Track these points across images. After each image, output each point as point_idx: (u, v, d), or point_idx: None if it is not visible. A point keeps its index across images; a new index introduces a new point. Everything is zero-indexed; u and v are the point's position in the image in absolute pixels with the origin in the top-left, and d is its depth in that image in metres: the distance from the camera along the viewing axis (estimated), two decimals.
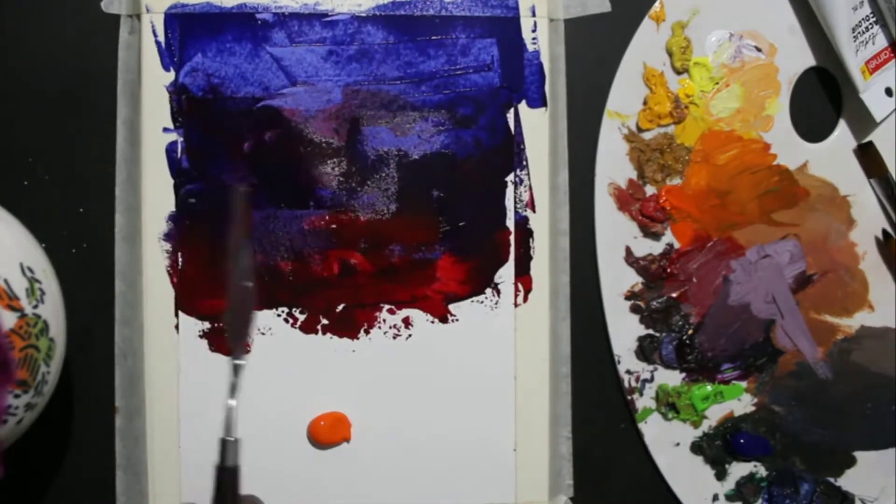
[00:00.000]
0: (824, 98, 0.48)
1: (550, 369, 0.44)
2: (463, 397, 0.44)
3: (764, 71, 0.47)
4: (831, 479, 0.49)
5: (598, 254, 0.46)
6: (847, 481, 0.49)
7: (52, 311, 0.35)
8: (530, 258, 0.44)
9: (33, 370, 0.34)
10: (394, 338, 0.43)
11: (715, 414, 0.47)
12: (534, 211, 0.44)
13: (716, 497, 0.48)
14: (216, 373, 0.42)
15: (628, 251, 0.46)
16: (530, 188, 0.44)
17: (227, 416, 0.37)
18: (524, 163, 0.44)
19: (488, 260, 0.44)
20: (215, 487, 0.36)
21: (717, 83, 0.46)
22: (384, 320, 0.43)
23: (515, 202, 0.44)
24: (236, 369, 0.38)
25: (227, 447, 0.36)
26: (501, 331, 0.44)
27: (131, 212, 0.42)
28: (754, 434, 0.47)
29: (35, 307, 0.34)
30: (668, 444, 0.47)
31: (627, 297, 0.46)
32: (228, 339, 0.40)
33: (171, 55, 0.41)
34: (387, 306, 0.43)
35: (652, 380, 0.46)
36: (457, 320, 0.44)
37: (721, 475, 0.47)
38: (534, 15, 0.44)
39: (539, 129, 0.44)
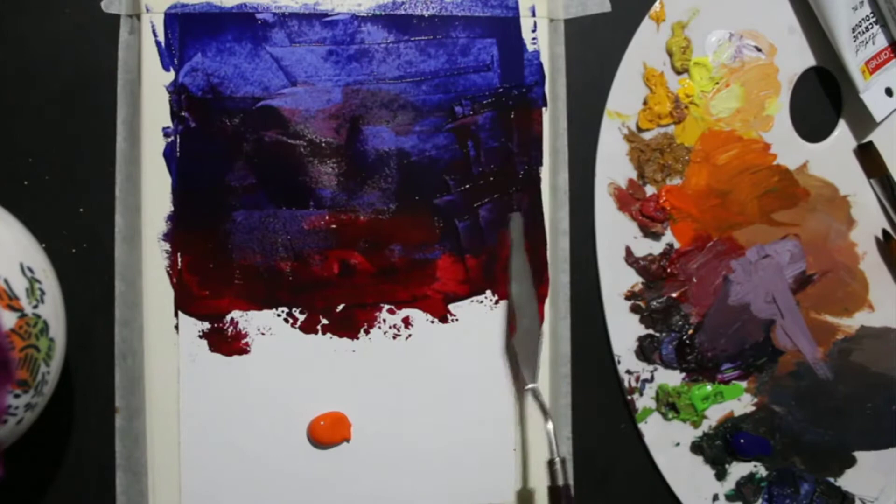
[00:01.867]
0: (824, 98, 0.48)
1: (550, 369, 0.44)
2: (463, 397, 0.44)
3: (764, 71, 0.47)
4: (831, 479, 0.49)
5: (598, 254, 0.46)
6: (847, 481, 0.49)
7: (52, 311, 0.35)
8: None
9: (33, 370, 0.34)
10: (394, 338, 0.43)
11: (715, 414, 0.47)
12: None
13: (716, 497, 0.48)
14: (216, 373, 0.42)
15: (628, 251, 0.46)
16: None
17: (549, 438, 0.41)
18: (524, 163, 0.44)
19: (488, 260, 0.44)
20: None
21: (717, 83, 0.46)
22: (384, 320, 0.43)
23: (515, 202, 0.44)
24: (535, 393, 0.42)
25: (556, 469, 0.40)
26: (501, 331, 0.44)
27: (131, 212, 0.42)
28: (754, 434, 0.47)
29: (35, 307, 0.34)
30: (668, 444, 0.47)
31: (627, 297, 0.46)
32: (522, 363, 0.43)
33: (171, 55, 0.41)
34: (387, 306, 0.43)
35: (652, 380, 0.46)
36: (457, 320, 0.44)
37: (721, 475, 0.47)
38: (534, 15, 0.44)
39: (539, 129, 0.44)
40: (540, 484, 0.44)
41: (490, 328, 0.44)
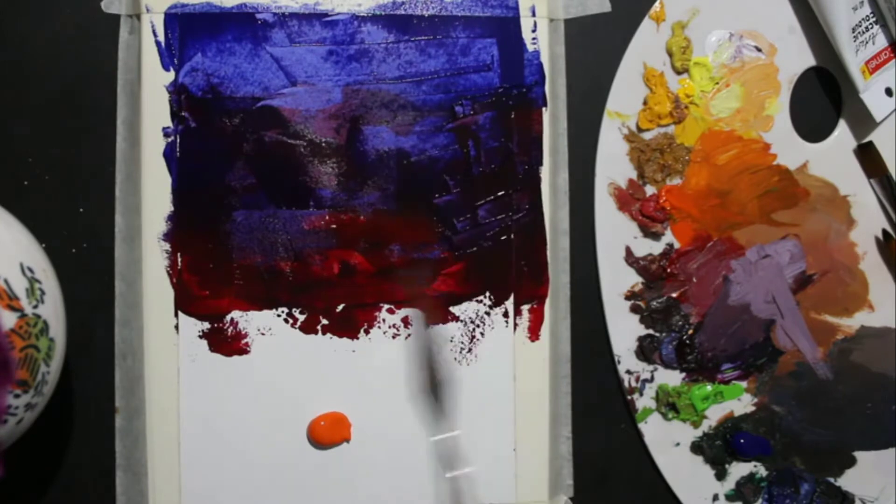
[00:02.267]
0: (824, 98, 0.48)
1: (550, 369, 0.44)
2: (462, 397, 0.44)
3: (764, 71, 0.47)
4: (831, 479, 0.49)
5: (598, 254, 0.46)
6: (847, 481, 0.49)
7: (52, 311, 0.35)
8: None
9: (33, 370, 0.34)
10: (393, 338, 0.43)
11: (715, 414, 0.47)
12: None
13: (716, 497, 0.48)
14: (216, 373, 0.42)
15: (628, 251, 0.46)
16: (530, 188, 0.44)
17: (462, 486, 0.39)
18: (524, 163, 0.44)
19: (488, 260, 0.44)
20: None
21: (717, 83, 0.46)
22: (384, 320, 0.43)
23: (515, 202, 0.44)
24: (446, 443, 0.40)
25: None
26: (501, 331, 0.44)
27: (131, 212, 0.42)
28: (754, 434, 0.47)
29: (35, 307, 0.34)
30: (668, 444, 0.47)
31: (627, 297, 0.46)
32: (435, 415, 0.42)
33: (171, 55, 0.41)
34: (386, 306, 0.43)
35: (652, 380, 0.46)
36: (456, 320, 0.44)
37: (721, 475, 0.47)
38: (534, 15, 0.44)
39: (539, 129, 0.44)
40: (540, 485, 0.44)
41: (490, 327, 0.44)
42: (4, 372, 0.32)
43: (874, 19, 0.46)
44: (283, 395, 0.43)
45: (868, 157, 0.48)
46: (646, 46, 0.46)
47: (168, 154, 0.42)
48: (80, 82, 0.42)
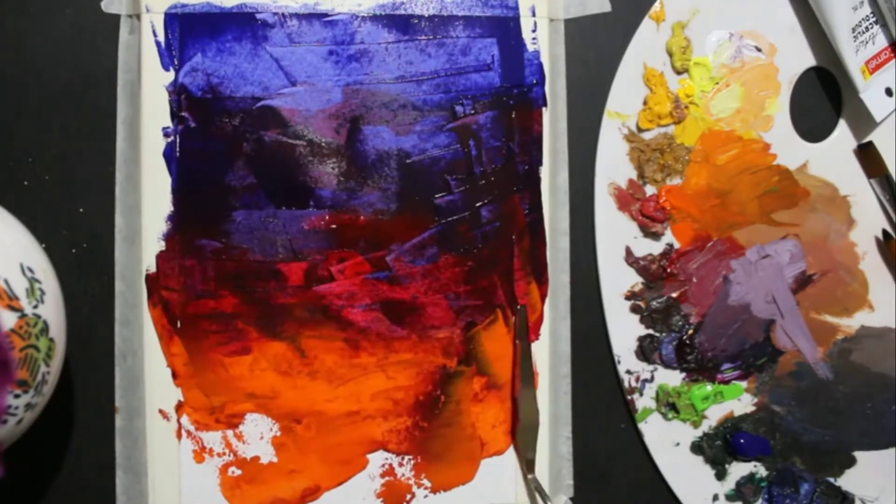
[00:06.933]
0: (824, 98, 0.48)
1: (550, 369, 0.44)
2: None
3: (764, 71, 0.47)
4: (831, 479, 0.49)
5: (598, 254, 0.46)
6: (847, 481, 0.49)
7: (52, 311, 0.35)
8: None
9: (33, 370, 0.34)
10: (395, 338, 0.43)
11: (715, 414, 0.47)
12: None
13: (716, 497, 0.48)
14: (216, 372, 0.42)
15: (628, 251, 0.46)
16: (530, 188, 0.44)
17: None
18: (525, 163, 0.44)
19: (489, 260, 0.44)
20: None
21: (717, 83, 0.46)
22: (382, 321, 0.43)
23: (515, 202, 0.44)
24: (535, 483, 0.42)
25: None
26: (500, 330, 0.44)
27: (131, 212, 0.42)
28: (754, 434, 0.47)
29: (35, 307, 0.34)
30: (668, 444, 0.47)
31: (627, 297, 0.46)
32: (523, 454, 0.43)
33: (171, 55, 0.41)
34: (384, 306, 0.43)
35: (652, 380, 0.46)
36: (455, 319, 0.44)
37: (721, 475, 0.47)
38: (534, 15, 0.44)
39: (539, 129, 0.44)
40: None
41: (489, 325, 0.44)
42: (4, 372, 0.32)
43: (874, 19, 0.46)
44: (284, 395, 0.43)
45: (868, 157, 0.48)
46: (646, 46, 0.46)
47: (168, 154, 0.42)
48: (80, 82, 0.42)
